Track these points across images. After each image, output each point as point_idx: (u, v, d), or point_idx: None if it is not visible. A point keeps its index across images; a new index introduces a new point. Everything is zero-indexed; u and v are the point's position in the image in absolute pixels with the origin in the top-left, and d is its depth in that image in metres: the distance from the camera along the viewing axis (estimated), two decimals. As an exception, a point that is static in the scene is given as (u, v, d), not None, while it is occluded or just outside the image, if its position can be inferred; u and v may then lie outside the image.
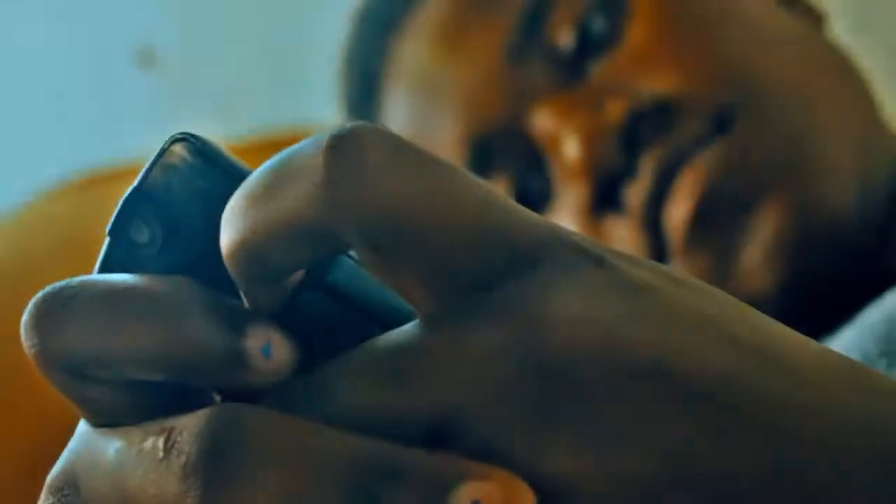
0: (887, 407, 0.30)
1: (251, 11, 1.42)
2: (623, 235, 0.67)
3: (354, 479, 0.28)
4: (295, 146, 0.31)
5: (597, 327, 0.29)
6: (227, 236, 0.31)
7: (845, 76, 0.72)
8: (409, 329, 0.30)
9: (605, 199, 0.67)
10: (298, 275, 0.33)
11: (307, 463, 0.28)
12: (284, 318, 0.32)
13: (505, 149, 0.72)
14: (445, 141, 0.74)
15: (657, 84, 0.67)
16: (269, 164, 0.31)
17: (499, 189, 0.31)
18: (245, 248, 0.30)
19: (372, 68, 0.80)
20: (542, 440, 0.28)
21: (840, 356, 0.32)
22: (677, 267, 0.66)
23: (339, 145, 0.29)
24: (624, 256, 0.32)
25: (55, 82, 1.46)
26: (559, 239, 0.31)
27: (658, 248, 0.66)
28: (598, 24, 0.71)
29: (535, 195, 0.71)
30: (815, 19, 0.77)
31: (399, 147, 0.30)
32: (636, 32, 0.70)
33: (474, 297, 0.30)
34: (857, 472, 0.29)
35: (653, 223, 0.66)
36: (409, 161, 0.30)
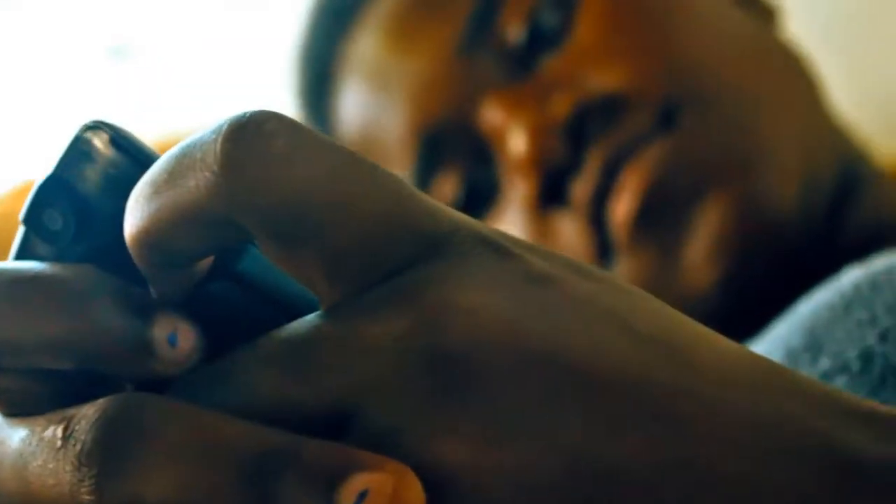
0: (790, 405, 0.30)
1: (224, 5, 1.42)
2: (569, 230, 0.67)
3: (247, 468, 0.28)
4: (198, 133, 0.30)
5: (495, 317, 0.29)
6: (130, 223, 0.31)
7: (793, 73, 0.72)
8: (311, 318, 0.30)
9: (551, 193, 0.67)
10: (206, 263, 0.32)
11: (201, 452, 0.28)
12: (193, 307, 0.32)
13: (455, 143, 0.71)
14: (396, 134, 0.73)
15: (605, 79, 0.67)
16: (172, 152, 0.31)
17: (403, 177, 0.31)
18: (147, 235, 0.31)
19: (325, 61, 0.79)
20: (436, 430, 0.28)
21: (751, 353, 0.32)
22: (623, 262, 0.66)
23: (237, 132, 0.29)
24: (530, 247, 0.31)
25: (32, 77, 1.46)
26: (462, 228, 0.30)
27: (603, 243, 0.66)
28: (549, 19, 0.70)
29: (485, 189, 0.71)
30: (767, 14, 0.76)
31: (300, 134, 0.30)
32: (585, 27, 0.69)
33: (376, 286, 0.30)
34: (757, 467, 0.29)
35: (598, 218, 0.66)
36: (310, 149, 0.30)
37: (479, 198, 0.71)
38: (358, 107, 0.76)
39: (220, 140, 0.29)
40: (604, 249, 0.66)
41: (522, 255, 0.31)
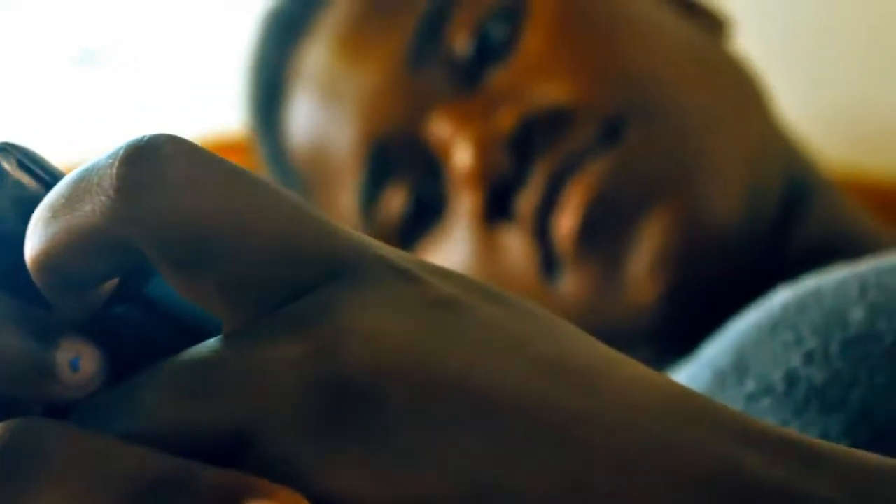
0: (695, 430, 0.30)
1: (194, 13, 1.42)
2: (515, 244, 0.66)
3: (141, 494, 0.28)
4: (97, 156, 0.30)
5: (394, 342, 0.29)
6: (29, 247, 0.31)
7: (740, 86, 0.71)
8: (210, 343, 0.30)
9: (497, 207, 0.66)
10: (110, 286, 0.32)
11: (95, 478, 0.28)
12: (98, 330, 0.32)
13: (403, 156, 0.71)
14: (345, 146, 0.73)
15: (551, 92, 0.67)
16: (72, 175, 0.30)
17: (304, 200, 0.31)
18: (45, 258, 0.30)
19: (276, 72, 0.79)
20: (332, 457, 0.28)
21: (662, 379, 0.31)
22: (568, 276, 0.65)
23: (133, 156, 0.29)
24: (437, 271, 0.31)
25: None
26: (366, 252, 0.30)
27: (548, 257, 0.66)
28: (497, 31, 0.70)
29: (433, 203, 0.71)
30: (716, 27, 0.76)
31: (199, 158, 0.30)
32: (532, 40, 0.69)
33: (275, 311, 0.30)
34: (659, 493, 0.29)
35: (542, 232, 0.65)
36: (209, 173, 0.29)
37: (428, 211, 0.71)
38: (308, 118, 0.76)
39: (116, 164, 0.29)
40: (549, 263, 0.66)
41: (427, 279, 0.30)
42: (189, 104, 1.36)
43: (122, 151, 0.29)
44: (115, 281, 0.32)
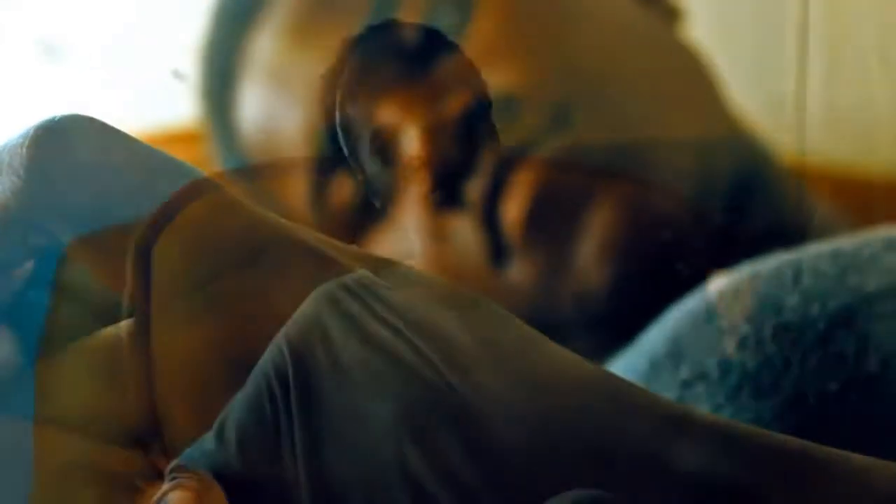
0: (613, 415, 0.30)
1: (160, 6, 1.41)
2: (464, 231, 0.66)
3: (51, 478, 0.28)
4: (10, 138, 0.30)
5: (305, 324, 0.29)
6: None
7: (692, 72, 0.71)
8: (123, 325, 0.30)
9: (446, 194, 0.66)
10: (25, 271, 0.32)
11: (4, 462, 0.28)
12: (14, 314, 0.32)
13: (354, 142, 0.71)
14: (297, 134, 0.73)
15: (499, 79, 0.67)
16: None
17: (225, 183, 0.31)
18: None
19: (228, 61, 0.79)
20: (244, 439, 0.28)
21: (582, 363, 0.31)
22: (517, 263, 0.65)
23: (43, 137, 0.29)
24: (356, 254, 0.31)
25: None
26: (282, 236, 0.30)
27: (497, 244, 0.66)
28: (446, 17, 0.70)
29: (385, 190, 0.71)
30: (670, 14, 0.76)
31: (109, 138, 0.30)
32: (481, 26, 0.69)
33: (190, 293, 0.29)
34: (571, 476, 0.29)
35: (491, 220, 0.65)
36: (119, 153, 0.30)
37: (379, 197, 0.71)
38: (259, 105, 0.76)
39: (25, 145, 0.29)
40: (498, 251, 0.66)
41: (344, 263, 0.30)
42: (153, 97, 1.35)
43: (31, 132, 0.30)
44: (30, 265, 0.32)
